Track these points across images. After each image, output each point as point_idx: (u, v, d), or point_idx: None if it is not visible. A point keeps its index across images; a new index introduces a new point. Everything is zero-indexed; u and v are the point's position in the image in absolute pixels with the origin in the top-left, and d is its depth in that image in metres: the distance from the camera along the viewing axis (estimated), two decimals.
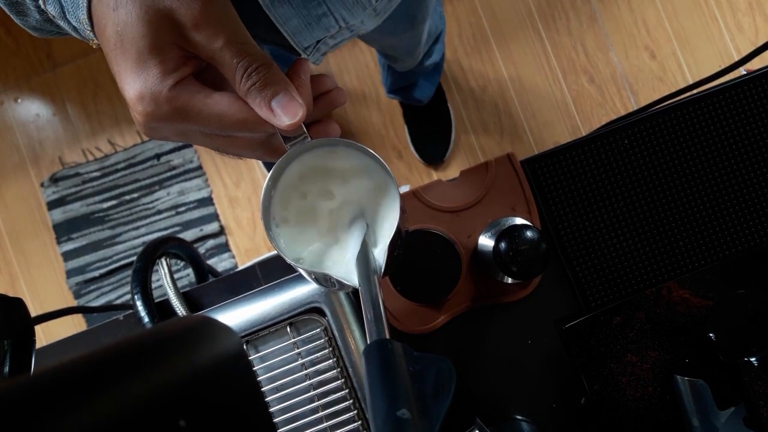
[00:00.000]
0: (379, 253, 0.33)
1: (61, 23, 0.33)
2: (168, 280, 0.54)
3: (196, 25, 0.28)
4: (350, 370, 0.49)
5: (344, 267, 0.33)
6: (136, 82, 0.28)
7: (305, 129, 0.32)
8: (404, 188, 1.34)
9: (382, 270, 0.32)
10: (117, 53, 0.28)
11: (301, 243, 0.35)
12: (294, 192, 0.35)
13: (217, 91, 0.30)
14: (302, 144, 0.33)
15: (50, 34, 0.38)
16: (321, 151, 0.34)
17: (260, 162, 1.48)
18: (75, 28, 0.32)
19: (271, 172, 0.34)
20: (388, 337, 0.26)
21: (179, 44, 0.29)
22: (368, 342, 0.26)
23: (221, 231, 1.48)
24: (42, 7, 0.33)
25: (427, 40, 1.05)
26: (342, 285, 0.33)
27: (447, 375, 0.23)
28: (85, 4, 0.29)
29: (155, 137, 0.32)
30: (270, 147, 0.34)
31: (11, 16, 0.36)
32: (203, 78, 0.31)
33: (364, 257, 0.32)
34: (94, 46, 0.33)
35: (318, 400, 0.49)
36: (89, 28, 0.30)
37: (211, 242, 1.48)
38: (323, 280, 0.34)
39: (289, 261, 0.33)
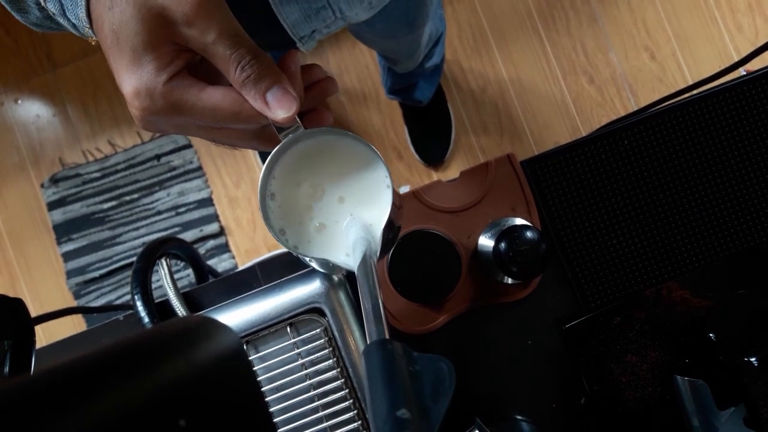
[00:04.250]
0: (374, 238, 0.34)
1: (61, 20, 0.33)
2: (168, 281, 0.54)
3: (188, 21, 0.28)
4: (350, 370, 0.49)
5: (342, 250, 0.34)
6: (132, 78, 0.29)
7: (298, 119, 0.33)
8: (404, 188, 1.33)
9: (378, 254, 0.33)
10: (113, 50, 0.29)
11: (299, 230, 0.35)
12: (289, 181, 0.35)
13: (211, 84, 0.31)
14: (295, 134, 0.33)
15: (50, 30, 0.38)
16: (314, 141, 0.35)
17: (259, 161, 1.48)
18: (74, 26, 0.32)
19: (266, 162, 0.34)
20: (387, 337, 0.26)
21: (172, 39, 0.29)
22: (368, 342, 0.26)
23: (221, 231, 1.48)
24: (42, 4, 0.33)
25: (428, 43, 1.05)
26: (340, 268, 0.35)
27: (447, 375, 0.23)
28: (83, 3, 0.30)
29: (152, 130, 0.32)
30: (264, 137, 0.34)
31: (12, 12, 0.36)
32: (198, 71, 0.32)
33: (363, 258, 0.32)
34: (93, 43, 0.33)
35: (318, 400, 0.49)
36: (88, 26, 0.31)
37: (211, 243, 1.48)
38: (322, 264, 0.35)
39: (287, 248, 0.34)
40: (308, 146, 0.35)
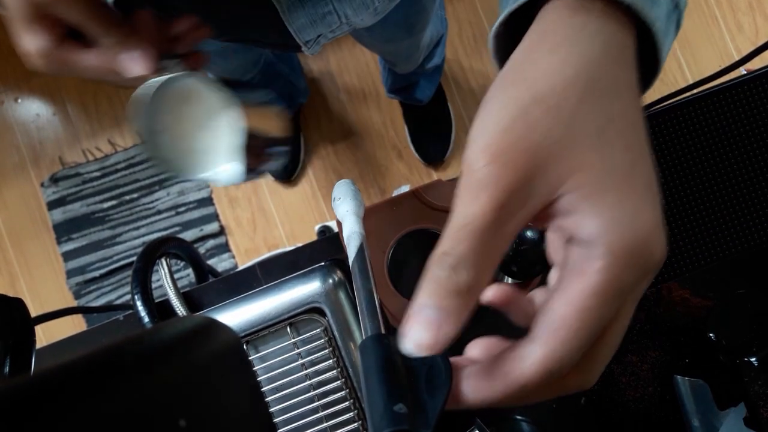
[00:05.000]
0: (239, 161, 0.42)
1: None
2: (168, 281, 0.54)
3: (54, 2, 0.35)
4: (350, 370, 0.49)
5: (216, 167, 0.43)
6: (29, 45, 0.38)
7: (170, 62, 0.41)
8: (404, 188, 1.33)
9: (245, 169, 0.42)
10: (12, 20, 0.37)
11: (182, 158, 0.43)
12: (172, 117, 0.42)
13: (89, 46, 0.39)
14: (155, 80, 0.41)
15: None
16: (179, 83, 0.42)
17: None
18: None
19: (141, 109, 0.41)
20: (383, 332, 0.26)
21: (51, 14, 0.36)
22: (364, 337, 0.26)
23: (221, 231, 1.48)
24: None
25: (428, 45, 1.05)
26: (219, 181, 0.44)
27: (442, 369, 0.23)
28: None
29: (53, 75, 0.43)
30: (134, 79, 0.42)
31: None
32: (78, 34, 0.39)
33: (358, 252, 0.32)
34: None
35: (318, 400, 0.49)
36: None
37: (211, 242, 1.48)
38: (205, 182, 0.45)
39: (171, 175, 0.42)
40: (175, 88, 0.42)
